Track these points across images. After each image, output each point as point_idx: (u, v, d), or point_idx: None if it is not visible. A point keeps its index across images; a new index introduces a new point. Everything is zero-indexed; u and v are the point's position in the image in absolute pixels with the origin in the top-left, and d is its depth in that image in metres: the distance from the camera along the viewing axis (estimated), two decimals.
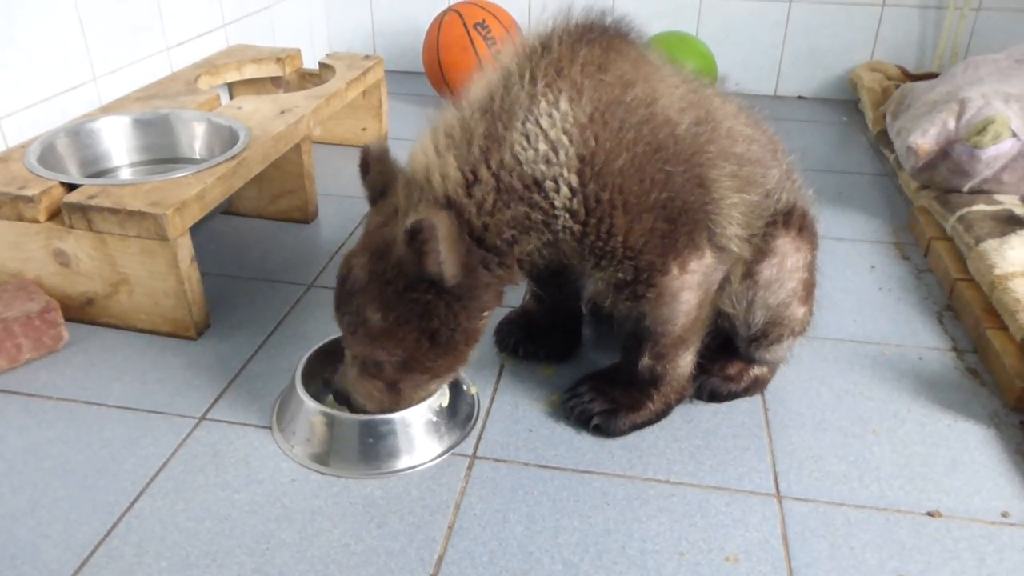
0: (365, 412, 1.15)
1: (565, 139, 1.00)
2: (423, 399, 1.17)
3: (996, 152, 1.71)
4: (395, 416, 1.15)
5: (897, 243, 1.82)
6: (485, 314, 1.09)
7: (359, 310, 1.05)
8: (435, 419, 1.19)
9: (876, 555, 1.03)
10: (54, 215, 1.38)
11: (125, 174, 1.67)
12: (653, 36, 2.53)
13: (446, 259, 0.97)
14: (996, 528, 1.08)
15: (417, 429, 1.17)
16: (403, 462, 1.16)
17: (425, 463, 1.16)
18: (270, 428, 1.22)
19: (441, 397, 1.20)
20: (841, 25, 2.66)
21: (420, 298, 1.02)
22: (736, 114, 1.16)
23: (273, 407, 1.26)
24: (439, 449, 1.18)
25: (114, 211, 1.31)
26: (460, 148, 1.02)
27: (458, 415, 1.23)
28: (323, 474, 1.14)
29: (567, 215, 1.03)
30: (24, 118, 1.58)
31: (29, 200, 1.34)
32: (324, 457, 1.15)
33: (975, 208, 1.69)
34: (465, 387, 1.28)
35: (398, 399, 1.14)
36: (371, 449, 1.15)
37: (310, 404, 1.17)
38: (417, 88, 2.77)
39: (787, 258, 1.18)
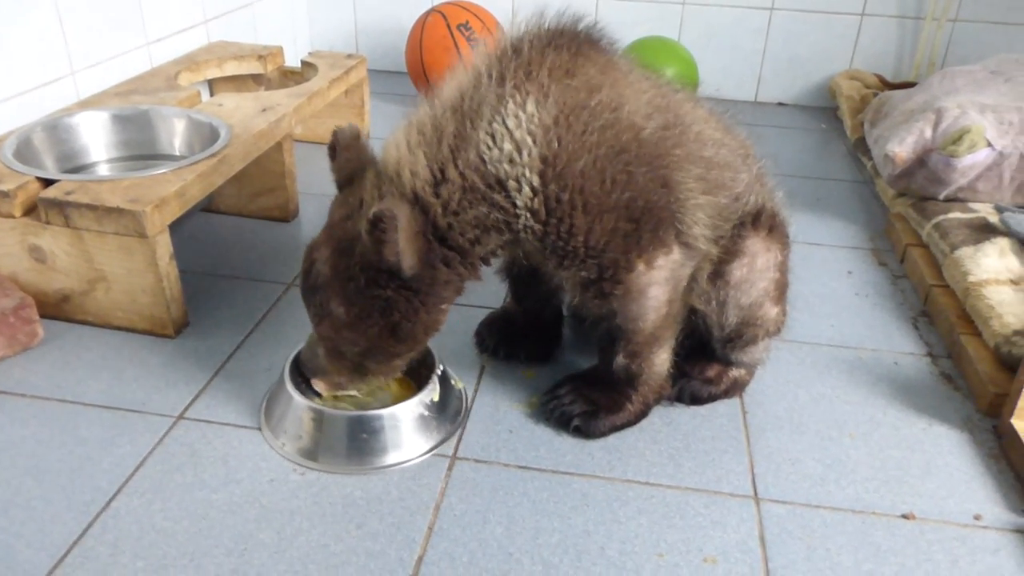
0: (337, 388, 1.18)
1: (529, 140, 1.01)
2: (389, 375, 1.18)
3: (971, 161, 1.74)
4: (384, 412, 1.16)
5: (874, 249, 1.85)
6: (444, 307, 1.11)
7: (323, 304, 1.08)
8: (426, 414, 1.19)
9: (852, 557, 1.05)
10: (30, 211, 1.36)
11: (103, 170, 1.65)
12: (636, 41, 2.54)
13: (404, 249, 0.99)
14: (969, 531, 1.10)
15: (407, 425, 1.17)
16: (392, 457, 1.16)
17: (415, 458, 1.17)
18: (258, 427, 1.21)
19: (432, 392, 1.21)
20: (821, 33, 2.69)
21: (381, 294, 1.05)
22: (706, 119, 1.18)
23: (261, 404, 1.25)
24: (428, 445, 1.19)
25: (92, 207, 1.30)
26: (431, 146, 1.04)
27: (447, 410, 1.23)
28: (312, 470, 1.13)
29: (528, 214, 1.04)
30: None
31: (4, 195, 1.32)
32: (313, 453, 1.15)
33: (950, 216, 1.72)
34: (453, 382, 1.28)
35: (364, 377, 1.16)
36: (363, 444, 1.15)
37: (299, 400, 1.17)
38: (400, 88, 2.76)
39: (757, 258, 1.19)
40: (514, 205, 1.03)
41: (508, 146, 1.01)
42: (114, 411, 1.23)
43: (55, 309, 1.43)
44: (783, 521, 1.10)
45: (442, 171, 1.03)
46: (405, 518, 1.07)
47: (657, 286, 1.11)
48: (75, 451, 1.15)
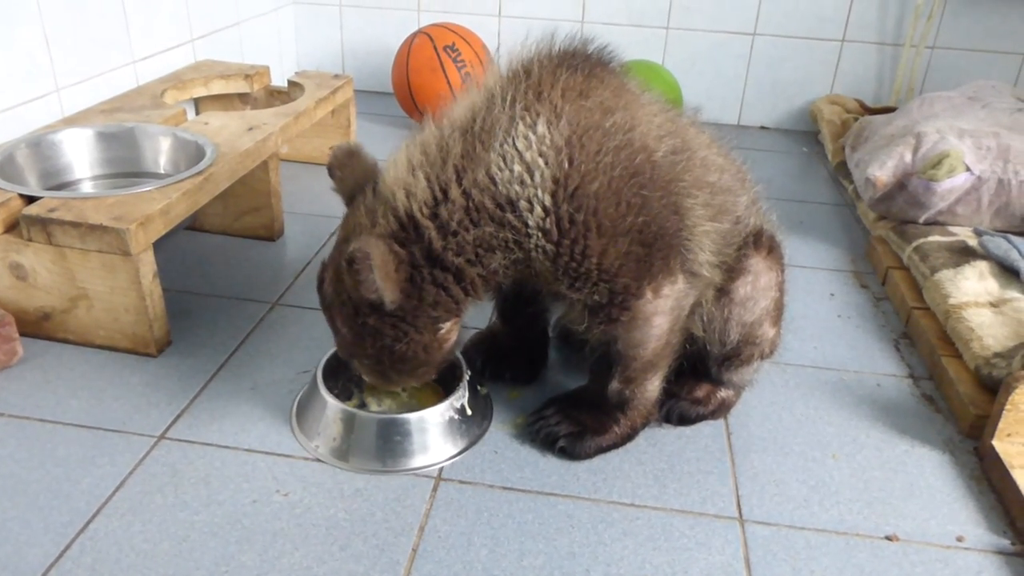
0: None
1: (541, 161, 1.01)
2: (418, 382, 1.20)
3: (951, 185, 1.77)
4: (412, 416, 1.20)
5: (856, 272, 1.87)
6: (441, 326, 1.11)
7: (331, 321, 1.12)
8: (455, 417, 1.22)
9: None
10: (11, 227, 1.35)
11: (87, 187, 1.64)
12: None
13: (382, 286, 1.01)
14: (952, 552, 1.10)
15: (435, 429, 1.20)
16: (419, 460, 1.19)
17: (442, 462, 1.20)
18: (242, 448, 1.20)
19: (461, 397, 1.24)
20: (802, 58, 2.73)
21: (365, 322, 1.07)
22: (709, 144, 1.19)
23: (291, 408, 1.28)
24: (455, 449, 1.22)
25: (75, 225, 1.29)
26: (433, 166, 1.04)
27: (475, 415, 1.26)
28: (297, 492, 1.12)
29: (540, 234, 1.04)
30: None
31: None
32: (345, 454, 1.18)
33: (930, 239, 1.74)
34: (479, 387, 1.31)
35: (389, 382, 1.18)
36: (393, 447, 1.18)
37: (333, 403, 1.20)
38: (386, 108, 2.77)
39: (760, 276, 1.21)
40: (525, 224, 1.03)
41: (518, 167, 1.01)
42: (94, 431, 1.22)
43: (35, 327, 1.41)
44: (768, 543, 1.10)
45: (444, 191, 1.03)
46: (389, 540, 1.06)
47: (662, 315, 1.11)
48: (53, 471, 1.14)
